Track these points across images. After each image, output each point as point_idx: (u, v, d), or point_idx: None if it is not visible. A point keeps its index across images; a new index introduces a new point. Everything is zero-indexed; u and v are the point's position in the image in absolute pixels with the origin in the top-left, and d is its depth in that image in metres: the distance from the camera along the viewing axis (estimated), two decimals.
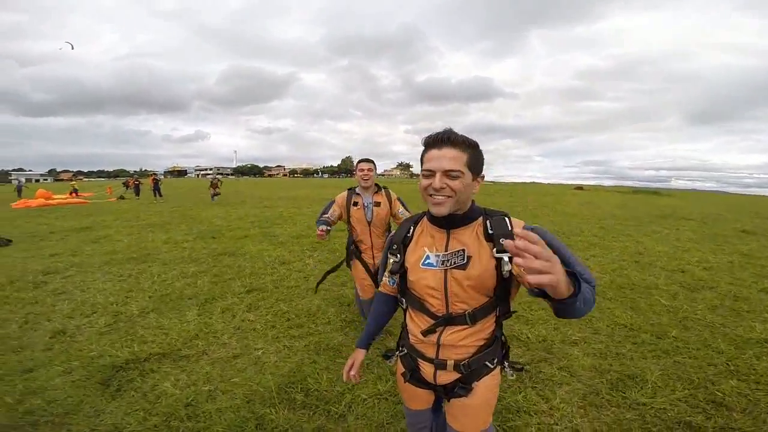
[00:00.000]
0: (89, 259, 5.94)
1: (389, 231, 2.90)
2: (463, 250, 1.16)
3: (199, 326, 3.35)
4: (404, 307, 1.35)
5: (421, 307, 1.26)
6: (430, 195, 1.13)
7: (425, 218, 1.29)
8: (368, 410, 2.24)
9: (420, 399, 1.40)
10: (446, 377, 1.29)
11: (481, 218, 1.19)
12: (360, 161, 2.81)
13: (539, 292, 0.91)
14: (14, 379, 2.53)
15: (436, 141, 1.12)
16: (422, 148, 1.16)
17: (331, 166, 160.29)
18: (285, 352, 2.94)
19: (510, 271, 1.09)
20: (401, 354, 1.40)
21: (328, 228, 2.62)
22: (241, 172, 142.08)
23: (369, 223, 2.82)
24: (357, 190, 2.89)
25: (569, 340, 3.17)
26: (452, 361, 1.26)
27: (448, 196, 1.11)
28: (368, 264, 2.90)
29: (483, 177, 1.19)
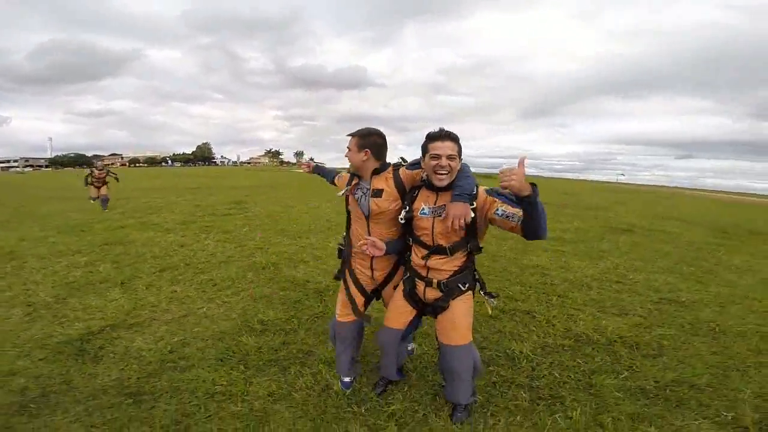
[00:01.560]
0: None
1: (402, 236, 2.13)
2: (445, 205, 1.83)
3: (131, 302, 3.75)
4: (410, 242, 2.05)
5: (419, 241, 1.99)
6: (436, 172, 1.80)
7: (423, 185, 1.98)
8: (313, 326, 3.24)
9: (402, 317, 2.11)
10: (432, 294, 2.00)
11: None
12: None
13: (515, 201, 1.65)
14: None
15: (440, 136, 1.80)
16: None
17: (184, 153, 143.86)
18: (225, 306, 3.68)
19: (473, 218, 1.77)
20: (405, 278, 2.13)
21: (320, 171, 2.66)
22: (60, 163, 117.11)
23: (366, 218, 2.12)
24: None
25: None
26: (436, 281, 1.97)
27: (448, 173, 1.80)
28: (358, 278, 2.27)
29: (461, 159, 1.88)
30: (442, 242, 1.90)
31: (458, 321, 1.98)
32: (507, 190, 1.57)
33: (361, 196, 2.10)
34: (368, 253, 2.00)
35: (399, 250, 2.13)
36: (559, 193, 20.10)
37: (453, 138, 1.81)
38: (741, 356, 2.94)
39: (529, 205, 1.57)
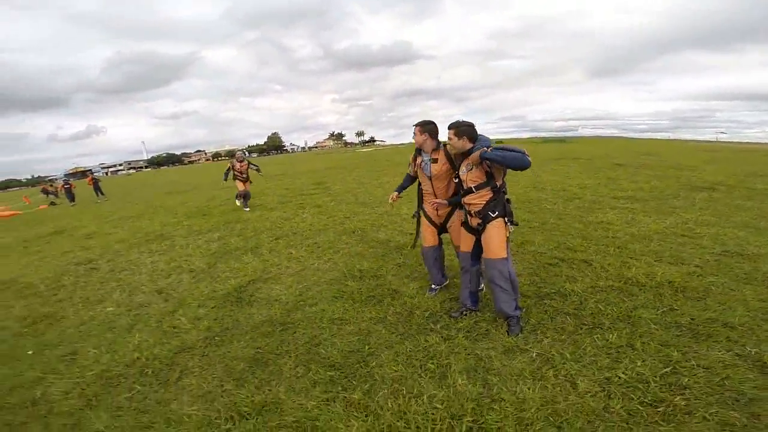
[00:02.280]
0: (108, 247, 6.97)
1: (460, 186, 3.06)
2: (470, 164, 2.81)
3: (261, 263, 4.96)
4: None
5: (461, 188, 2.95)
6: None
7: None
8: (398, 272, 4.15)
9: (466, 240, 3.08)
10: (474, 221, 2.92)
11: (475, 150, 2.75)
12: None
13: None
14: (164, 317, 3.82)
15: (449, 127, 2.84)
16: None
17: (257, 145, 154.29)
18: (331, 262, 4.74)
19: (488, 166, 2.74)
20: (465, 212, 3.02)
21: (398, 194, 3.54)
22: (156, 163, 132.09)
23: (429, 178, 3.22)
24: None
25: None
26: (474, 211, 2.88)
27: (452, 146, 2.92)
28: (429, 216, 3.40)
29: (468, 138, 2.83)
30: (471, 184, 2.85)
31: (491, 239, 2.81)
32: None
33: (425, 164, 3.22)
34: (438, 209, 3.25)
35: (457, 201, 3.14)
36: (638, 154, 18.83)
37: (451, 128, 2.86)
38: None
39: (491, 161, 2.64)
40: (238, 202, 9.50)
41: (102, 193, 18.48)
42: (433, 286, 3.63)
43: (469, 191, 2.87)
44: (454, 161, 3.08)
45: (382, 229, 6.12)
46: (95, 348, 3.28)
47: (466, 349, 2.72)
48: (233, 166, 9.07)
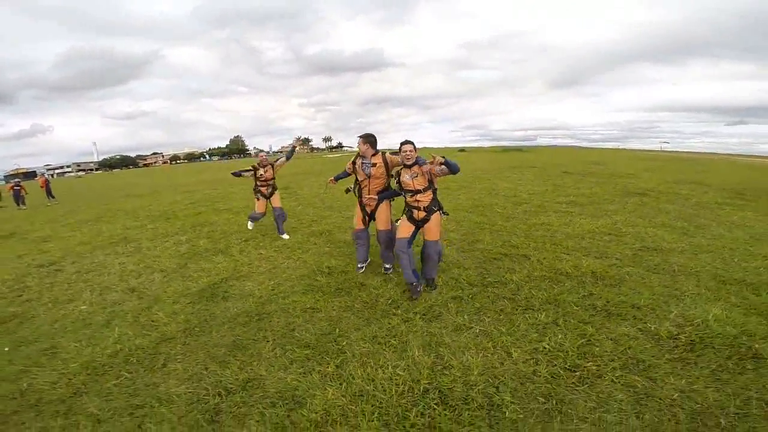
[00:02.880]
0: (70, 249, 6.87)
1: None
2: (416, 173, 3.72)
3: (232, 263, 5.22)
4: (403, 195, 3.92)
5: (409, 191, 3.80)
6: (407, 159, 3.73)
7: (402, 168, 3.84)
8: (366, 271, 4.57)
9: (409, 230, 3.81)
10: (420, 214, 3.77)
11: (419, 162, 3.72)
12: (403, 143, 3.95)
13: (439, 170, 3.67)
14: (140, 312, 4.20)
15: (406, 143, 3.77)
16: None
17: (219, 148, 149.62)
18: (301, 260, 5.09)
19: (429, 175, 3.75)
20: (406, 211, 3.88)
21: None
22: (108, 165, 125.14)
23: (367, 177, 4.24)
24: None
25: (449, 230, 5.86)
26: (422, 206, 3.76)
27: (410, 159, 3.74)
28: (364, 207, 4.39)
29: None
30: (419, 187, 3.75)
31: (434, 226, 3.81)
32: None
33: (365, 165, 4.21)
34: (369, 204, 4.29)
35: (384, 197, 4.26)
36: (587, 163, 20.39)
37: (411, 143, 3.78)
38: (685, 289, 3.69)
39: (449, 166, 3.56)
40: (250, 225, 6.95)
41: (53, 196, 17.68)
42: (359, 265, 4.57)
43: (417, 192, 3.77)
44: (389, 167, 4.17)
45: (349, 231, 6.45)
46: (75, 342, 3.40)
47: (422, 329, 3.20)
48: (255, 171, 6.38)
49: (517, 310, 3.45)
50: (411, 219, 3.86)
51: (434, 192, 3.83)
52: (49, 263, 6.08)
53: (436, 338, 3.05)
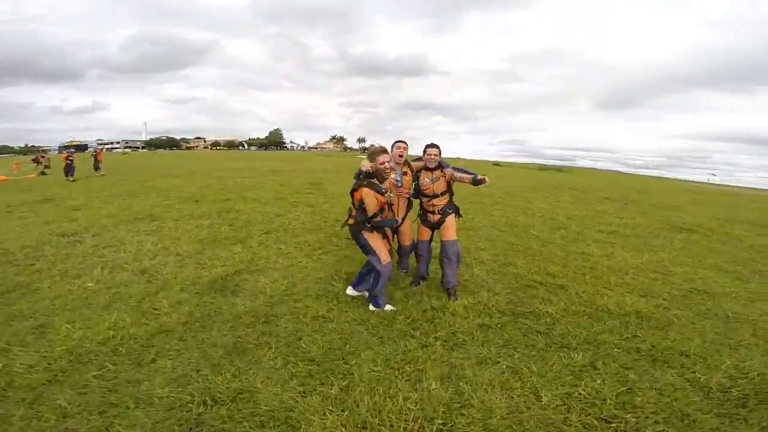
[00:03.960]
0: (95, 221, 6.90)
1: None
2: (438, 176, 3.85)
3: (249, 254, 5.01)
4: (420, 199, 4.04)
5: (426, 195, 3.96)
6: (429, 161, 3.86)
7: (423, 171, 3.94)
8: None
9: (427, 233, 4.03)
10: (435, 217, 3.94)
11: (441, 166, 3.87)
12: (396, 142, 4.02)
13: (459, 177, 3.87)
14: (145, 297, 3.91)
15: (432, 146, 3.87)
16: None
17: (258, 138, 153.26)
18: (320, 261, 4.82)
19: (448, 181, 3.89)
20: (421, 215, 4.05)
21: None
22: (154, 145, 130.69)
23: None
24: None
25: (479, 248, 5.45)
26: (437, 209, 3.92)
27: (433, 161, 3.88)
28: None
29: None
30: (438, 191, 3.88)
31: (450, 227, 3.88)
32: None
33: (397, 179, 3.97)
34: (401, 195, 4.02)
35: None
36: (629, 190, 19.35)
37: (437, 147, 3.88)
38: (739, 338, 3.28)
39: (477, 183, 3.81)
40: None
41: (99, 169, 18.21)
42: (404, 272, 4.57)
43: (435, 196, 3.91)
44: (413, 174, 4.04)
45: None
46: (68, 323, 3.19)
47: (441, 357, 2.83)
48: (375, 176, 3.43)
49: (551, 347, 3.04)
50: (426, 222, 4.01)
51: (451, 196, 3.97)
52: (72, 233, 6.08)
53: (457, 370, 2.68)
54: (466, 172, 3.89)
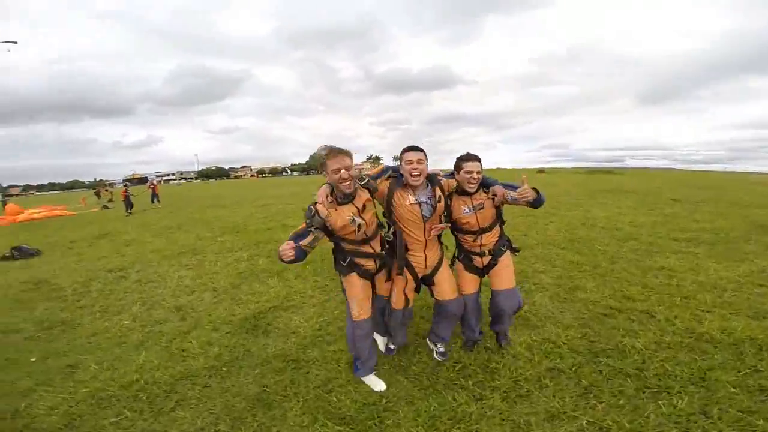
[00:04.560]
0: (142, 256, 7.03)
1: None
2: (481, 203, 2.66)
3: (285, 288, 4.71)
4: (455, 233, 2.86)
5: (467, 231, 2.75)
6: (468, 182, 2.61)
7: (454, 194, 2.74)
8: (430, 312, 3.74)
9: (474, 283, 2.84)
10: (485, 260, 2.78)
11: (482, 188, 2.69)
12: (406, 150, 2.57)
13: (512, 198, 2.52)
14: (176, 337, 3.54)
15: (469, 158, 2.62)
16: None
17: (299, 164, 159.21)
18: None
19: (497, 206, 2.70)
20: (461, 257, 2.87)
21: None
22: (206, 175, 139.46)
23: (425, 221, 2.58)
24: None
25: (537, 271, 4.79)
26: (486, 250, 2.76)
27: (476, 182, 2.62)
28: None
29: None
30: (484, 225, 2.71)
31: (505, 271, 2.79)
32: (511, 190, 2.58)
33: (425, 204, 2.58)
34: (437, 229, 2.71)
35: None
36: (695, 188, 17.44)
37: (478, 159, 2.64)
38: None
39: (535, 202, 2.50)
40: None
41: (158, 201, 19.22)
42: (391, 346, 3.07)
43: (482, 232, 2.74)
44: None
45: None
46: (97, 363, 3.14)
47: (501, 413, 2.31)
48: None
49: (644, 392, 2.43)
50: (471, 268, 2.83)
51: (502, 226, 2.86)
52: (118, 269, 6.18)
53: (523, 430, 2.15)
54: (512, 187, 2.62)
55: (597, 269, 4.91)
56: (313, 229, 2.30)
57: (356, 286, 2.58)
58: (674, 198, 12.63)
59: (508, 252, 2.85)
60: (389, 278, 2.70)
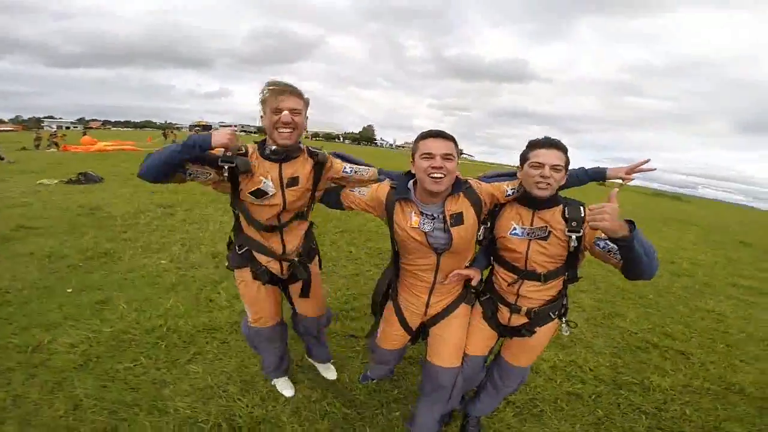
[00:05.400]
0: (192, 195, 7.29)
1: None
2: (545, 227, 1.61)
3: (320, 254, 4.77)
4: (491, 264, 1.85)
5: (506, 264, 1.73)
6: (537, 183, 1.55)
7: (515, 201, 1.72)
8: None
9: (481, 342, 1.88)
10: (517, 320, 1.78)
11: (561, 204, 1.61)
12: (425, 136, 1.58)
13: (606, 246, 1.50)
14: (206, 285, 3.63)
15: (545, 144, 1.57)
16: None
17: (352, 133, 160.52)
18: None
19: (576, 246, 1.56)
20: (484, 298, 1.87)
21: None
22: (264, 131, 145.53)
23: (438, 252, 1.67)
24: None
25: (579, 290, 4.58)
26: (525, 308, 1.74)
27: (549, 184, 1.55)
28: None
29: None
30: (537, 268, 1.67)
31: (534, 348, 1.87)
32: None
33: (432, 226, 1.63)
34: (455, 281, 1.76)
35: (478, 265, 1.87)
36: (758, 229, 15.90)
37: (561, 148, 1.59)
38: None
39: (625, 249, 1.34)
40: None
41: None
42: (368, 373, 2.40)
43: (535, 277, 1.68)
44: (484, 210, 1.70)
45: None
46: (127, 302, 3.18)
47: (509, 428, 2.24)
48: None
49: None
50: (492, 321, 1.86)
51: (566, 283, 1.76)
52: (169, 205, 6.53)
53: None
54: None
55: (642, 300, 4.59)
56: (232, 160, 1.58)
57: (250, 288, 1.93)
58: (744, 241, 11.56)
59: (554, 323, 1.82)
60: (307, 294, 2.00)
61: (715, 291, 5.40)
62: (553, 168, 1.54)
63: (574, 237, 1.53)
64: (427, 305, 1.82)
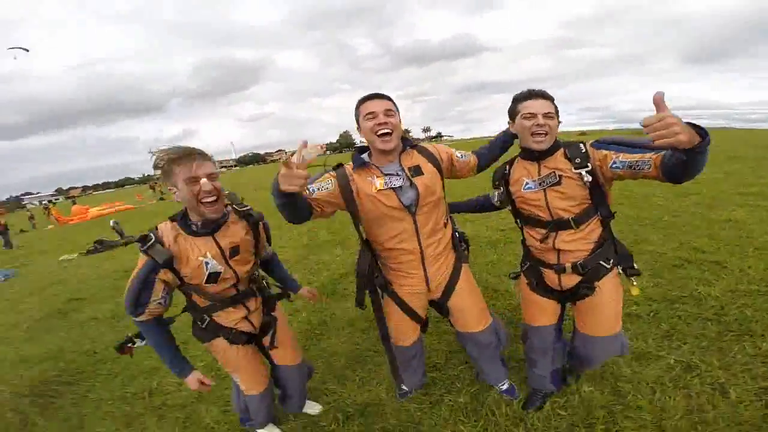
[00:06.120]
0: None
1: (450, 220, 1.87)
2: (554, 173, 1.57)
3: (351, 256, 5.01)
4: (520, 226, 1.80)
5: (532, 220, 1.69)
6: (534, 133, 1.53)
7: (518, 157, 1.72)
8: (491, 268, 3.91)
9: (545, 312, 1.79)
10: (569, 280, 1.65)
11: (562, 148, 1.58)
12: (364, 100, 1.60)
13: (624, 163, 1.38)
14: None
15: (532, 95, 1.55)
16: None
17: (330, 143, 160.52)
18: None
19: (591, 182, 1.49)
20: (525, 268, 1.83)
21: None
22: (244, 162, 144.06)
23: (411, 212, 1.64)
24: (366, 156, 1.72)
25: None
26: (570, 264, 1.62)
27: (547, 134, 1.53)
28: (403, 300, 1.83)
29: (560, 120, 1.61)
30: (563, 215, 1.60)
31: (606, 308, 1.67)
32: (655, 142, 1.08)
33: (397, 185, 1.60)
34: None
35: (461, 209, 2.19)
36: (757, 147, 16.23)
37: (548, 97, 1.57)
38: None
39: (698, 154, 1.11)
40: None
41: None
42: (405, 388, 2.21)
43: (562, 225, 1.61)
44: (449, 168, 1.78)
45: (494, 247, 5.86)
46: None
47: None
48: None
49: (726, 335, 2.49)
50: (544, 288, 1.79)
51: (605, 222, 1.63)
52: None
53: (611, 369, 2.28)
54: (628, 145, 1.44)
55: (659, 222, 4.89)
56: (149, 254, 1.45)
57: (230, 357, 1.77)
58: (733, 156, 11.89)
59: (615, 273, 1.68)
60: (273, 346, 1.82)
61: (725, 202, 5.66)
62: (546, 116, 1.54)
63: (584, 173, 1.50)
64: (427, 280, 1.75)
